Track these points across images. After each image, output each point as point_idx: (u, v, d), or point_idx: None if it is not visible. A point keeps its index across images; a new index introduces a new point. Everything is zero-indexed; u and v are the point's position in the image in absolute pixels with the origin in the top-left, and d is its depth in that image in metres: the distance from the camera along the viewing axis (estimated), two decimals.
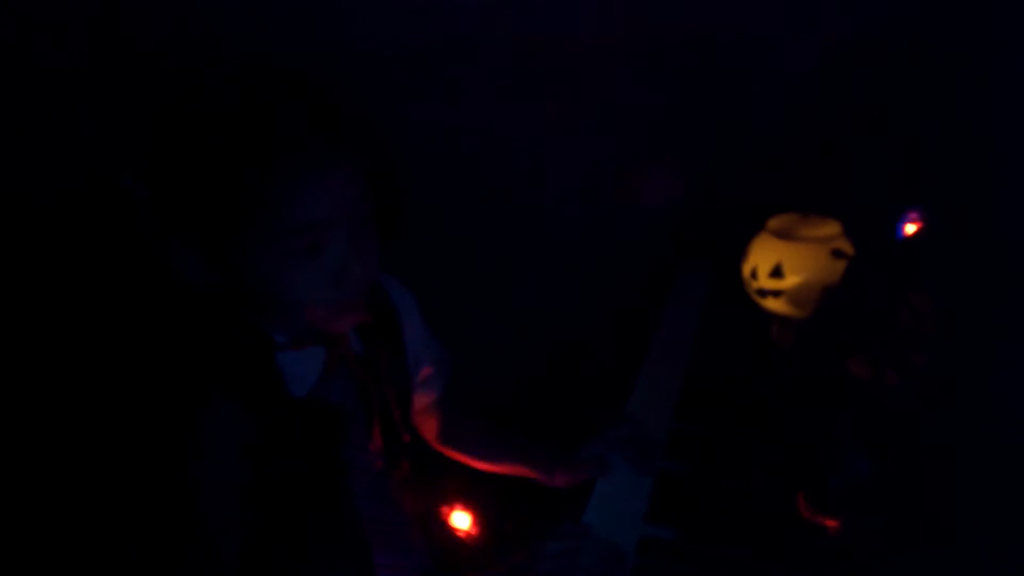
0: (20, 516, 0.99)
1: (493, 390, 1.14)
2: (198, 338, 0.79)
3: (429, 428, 1.11)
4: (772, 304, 1.10)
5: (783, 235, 1.10)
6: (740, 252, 1.14)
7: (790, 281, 1.07)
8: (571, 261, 1.56)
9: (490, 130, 1.43)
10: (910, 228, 0.91)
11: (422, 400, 1.08)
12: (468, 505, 1.07)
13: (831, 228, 1.09)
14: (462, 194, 1.50)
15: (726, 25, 1.28)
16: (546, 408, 1.54)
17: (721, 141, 1.40)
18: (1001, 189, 0.90)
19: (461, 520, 1.06)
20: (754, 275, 1.11)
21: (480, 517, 1.07)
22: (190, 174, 0.73)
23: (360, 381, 0.89)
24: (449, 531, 1.05)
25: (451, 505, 1.07)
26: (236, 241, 0.74)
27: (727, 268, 1.16)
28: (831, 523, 0.77)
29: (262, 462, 0.76)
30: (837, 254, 1.04)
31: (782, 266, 1.07)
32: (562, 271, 1.57)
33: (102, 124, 1.00)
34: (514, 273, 1.58)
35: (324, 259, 0.75)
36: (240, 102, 0.73)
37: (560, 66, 1.35)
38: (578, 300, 1.59)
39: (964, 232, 0.88)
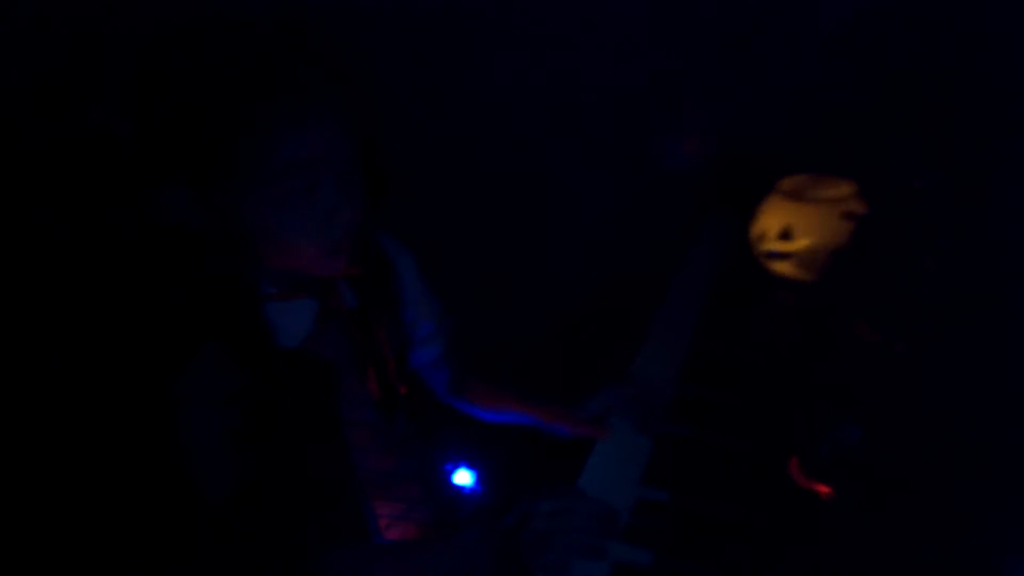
0: (7, 465, 1.02)
1: (499, 351, 1.15)
2: (184, 285, 0.80)
3: (438, 382, 1.12)
4: (780, 267, 1.08)
5: (794, 196, 1.07)
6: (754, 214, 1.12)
7: (799, 243, 1.04)
8: (583, 221, 1.54)
9: (504, 80, 1.40)
10: (918, 186, 0.88)
11: (427, 356, 1.09)
12: (471, 462, 1.09)
13: (844, 189, 1.06)
14: (471, 148, 1.48)
15: None
16: (553, 369, 1.54)
17: (743, 99, 1.36)
18: (1016, 159, 0.86)
19: (463, 476, 1.08)
20: (763, 237, 1.09)
21: (482, 474, 1.08)
22: (179, 115, 0.74)
23: (352, 335, 0.90)
24: (451, 486, 1.07)
25: (455, 461, 1.09)
26: (225, 182, 0.75)
27: (741, 229, 1.14)
28: (823, 489, 0.76)
29: (251, 410, 0.77)
30: (849, 216, 1.01)
31: (791, 228, 1.05)
32: (573, 231, 1.55)
33: (88, 67, 1.00)
34: (525, 233, 1.57)
35: (313, 201, 0.77)
36: (228, 45, 0.75)
37: (575, 15, 1.32)
38: (589, 262, 1.58)
39: (976, 198, 0.85)
